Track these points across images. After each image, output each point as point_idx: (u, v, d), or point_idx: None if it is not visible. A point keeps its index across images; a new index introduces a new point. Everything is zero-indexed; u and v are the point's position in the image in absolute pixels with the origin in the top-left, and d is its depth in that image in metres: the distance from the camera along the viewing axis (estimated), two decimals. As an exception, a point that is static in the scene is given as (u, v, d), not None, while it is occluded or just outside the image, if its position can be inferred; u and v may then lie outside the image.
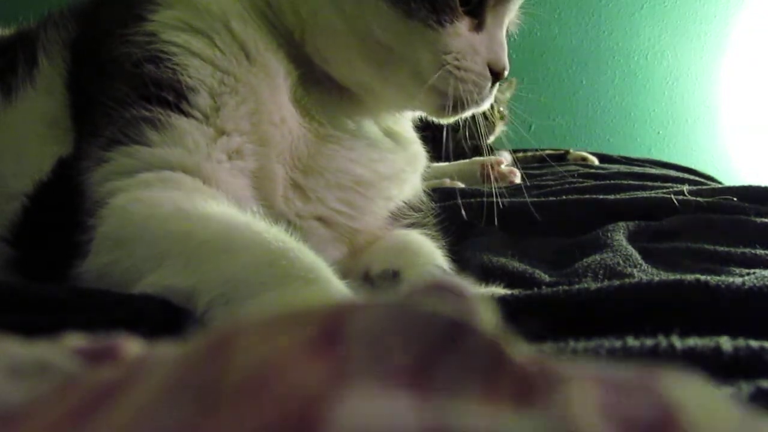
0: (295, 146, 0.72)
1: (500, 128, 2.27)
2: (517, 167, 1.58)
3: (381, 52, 0.72)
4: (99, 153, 0.65)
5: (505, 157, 1.75)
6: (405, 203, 0.83)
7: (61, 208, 0.67)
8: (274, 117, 0.70)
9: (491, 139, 2.20)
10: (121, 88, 0.67)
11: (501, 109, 2.25)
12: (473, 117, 0.81)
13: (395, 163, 0.81)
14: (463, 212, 1.07)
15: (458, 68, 0.71)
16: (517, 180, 1.54)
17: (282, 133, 0.70)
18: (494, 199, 1.16)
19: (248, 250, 0.51)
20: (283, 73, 0.73)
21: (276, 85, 0.72)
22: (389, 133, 0.83)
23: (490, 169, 1.56)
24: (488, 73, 0.74)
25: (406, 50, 0.71)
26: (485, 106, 0.77)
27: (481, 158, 1.68)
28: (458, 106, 0.74)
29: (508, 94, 2.30)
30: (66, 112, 0.75)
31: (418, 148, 0.88)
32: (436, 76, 0.70)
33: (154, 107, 0.65)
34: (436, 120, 0.81)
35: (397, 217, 0.82)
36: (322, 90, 0.76)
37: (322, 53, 0.75)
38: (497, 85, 0.76)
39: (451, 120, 0.79)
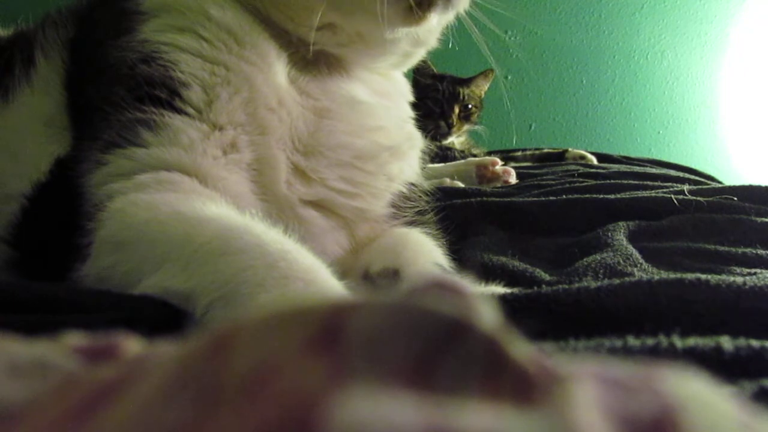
0: (295, 127, 0.72)
1: (466, 128, 2.26)
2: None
3: None
4: (97, 156, 0.65)
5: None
6: (406, 188, 0.82)
7: (60, 209, 0.67)
8: (270, 102, 0.70)
9: (452, 140, 2.20)
10: (116, 92, 0.67)
11: (469, 105, 2.23)
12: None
13: (393, 134, 0.81)
14: (470, 211, 1.07)
15: None
16: (513, 180, 1.55)
17: (280, 117, 0.70)
18: (494, 199, 1.16)
19: (247, 253, 0.51)
20: (275, 53, 0.73)
21: (269, 65, 0.72)
22: (384, 107, 0.82)
23: (485, 170, 1.57)
24: None
25: None
26: (458, 2, 0.74)
27: (477, 159, 1.69)
28: (424, 2, 0.70)
29: (480, 91, 2.27)
30: (63, 111, 0.75)
31: (413, 129, 0.88)
32: None
33: (148, 107, 0.65)
34: (411, 28, 0.75)
35: (399, 206, 0.81)
36: (312, 68, 0.76)
37: (279, 11, 0.74)
38: None
39: (425, 23, 0.74)
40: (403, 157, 0.82)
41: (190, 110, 0.66)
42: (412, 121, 0.89)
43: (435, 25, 0.78)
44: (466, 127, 2.26)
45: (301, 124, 0.72)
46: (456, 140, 2.23)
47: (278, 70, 0.72)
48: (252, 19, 0.73)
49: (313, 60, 0.76)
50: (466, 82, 2.26)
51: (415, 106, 0.93)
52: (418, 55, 0.87)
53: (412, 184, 0.84)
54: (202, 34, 0.70)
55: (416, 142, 0.87)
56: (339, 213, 0.75)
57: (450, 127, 2.18)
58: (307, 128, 0.72)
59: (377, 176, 0.77)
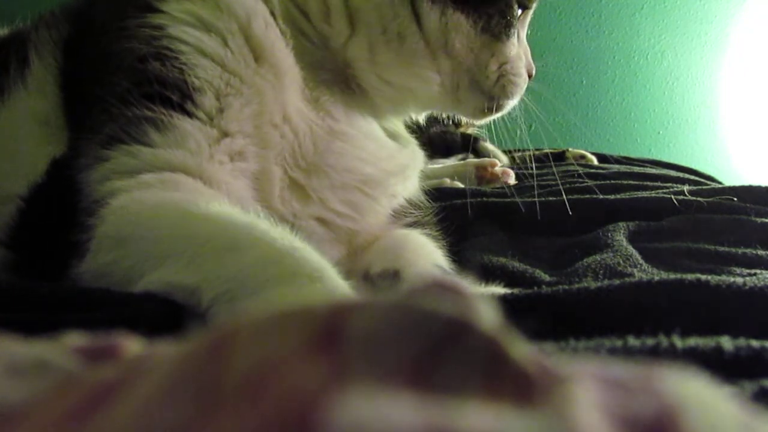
0: (299, 144, 0.71)
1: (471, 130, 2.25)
2: (515, 168, 1.60)
3: (448, 63, 0.77)
4: (98, 151, 0.64)
5: (501, 159, 1.77)
6: (406, 200, 0.83)
7: (57, 207, 0.66)
8: (275, 117, 0.70)
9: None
10: (122, 84, 0.65)
11: None
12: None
13: (401, 159, 0.82)
14: (468, 211, 1.07)
15: (513, 75, 0.79)
16: (511, 181, 1.55)
17: (282, 133, 0.70)
18: (494, 199, 1.16)
19: (254, 248, 0.51)
20: (293, 73, 0.73)
21: (282, 84, 0.71)
22: (390, 134, 0.84)
23: (485, 171, 1.57)
24: (527, 77, 0.82)
25: (475, 62, 0.77)
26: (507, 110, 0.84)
27: (476, 160, 1.69)
28: (497, 109, 0.81)
29: None
30: (59, 111, 0.74)
31: (416, 147, 0.89)
32: (496, 83, 0.78)
33: (157, 106, 0.64)
34: (471, 121, 0.89)
35: (399, 216, 0.82)
36: (344, 90, 0.77)
37: (376, 59, 0.76)
38: None
39: (485, 121, 0.85)
40: (408, 179, 0.84)
41: (201, 115, 0.65)
42: (414, 141, 0.90)
43: None
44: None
45: (308, 141, 0.72)
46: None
47: (292, 88, 0.72)
48: (289, 43, 0.73)
49: (344, 81, 0.78)
50: None
51: None
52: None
53: (411, 198, 0.85)
54: (228, 43, 0.69)
55: (420, 160, 0.88)
56: (336, 231, 0.75)
57: (457, 126, 2.17)
58: (315, 147, 0.72)
59: (380, 199, 0.79)
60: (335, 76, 0.77)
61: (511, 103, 0.82)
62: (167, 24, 0.68)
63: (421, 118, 0.92)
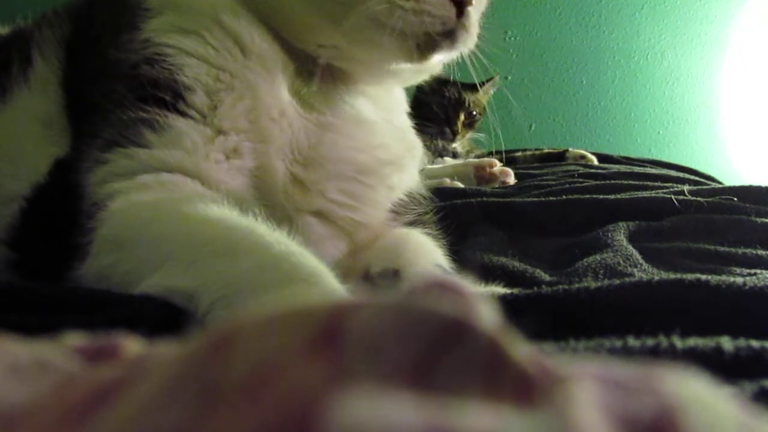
0: (296, 139, 0.71)
1: (469, 135, 2.24)
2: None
3: (331, 5, 0.70)
4: (97, 154, 0.65)
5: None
6: (406, 196, 0.83)
7: (59, 209, 0.67)
8: (272, 112, 0.70)
9: (455, 146, 2.17)
10: (118, 90, 0.67)
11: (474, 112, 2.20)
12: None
13: (395, 148, 0.81)
14: (469, 211, 1.07)
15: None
16: (511, 181, 1.56)
17: (281, 128, 0.70)
18: (494, 199, 1.16)
19: (251, 253, 0.52)
20: (281, 66, 0.73)
21: (274, 78, 0.71)
22: (387, 122, 0.83)
23: (484, 171, 1.58)
24: (448, 2, 0.69)
25: None
26: (462, 45, 0.73)
27: (475, 160, 1.70)
28: (428, 45, 0.70)
29: (486, 98, 2.23)
30: (62, 111, 0.74)
31: (414, 137, 0.88)
32: (381, 11, 0.67)
33: (152, 108, 0.65)
34: (413, 66, 0.76)
35: (399, 212, 0.81)
36: (318, 80, 0.76)
37: (287, 26, 0.74)
38: (469, 16, 0.71)
39: (427, 63, 0.75)
40: (405, 169, 0.82)
41: (194, 114, 0.66)
42: (412, 131, 0.89)
43: (437, 62, 0.78)
44: (469, 134, 2.24)
45: (302, 135, 0.72)
46: (458, 145, 2.22)
47: (282, 81, 0.72)
48: (263, 30, 0.73)
49: (319, 72, 0.76)
50: (472, 88, 2.13)
51: (419, 108, 0.93)
52: (420, 78, 0.88)
53: (411, 192, 0.84)
54: (207, 40, 0.70)
55: (417, 152, 0.87)
56: (338, 224, 0.75)
57: (454, 134, 2.16)
58: (308, 140, 0.72)
59: (378, 189, 0.78)
60: (304, 65, 0.75)
61: (441, 39, 0.70)
62: (151, 36, 0.69)
63: (420, 79, 0.86)
